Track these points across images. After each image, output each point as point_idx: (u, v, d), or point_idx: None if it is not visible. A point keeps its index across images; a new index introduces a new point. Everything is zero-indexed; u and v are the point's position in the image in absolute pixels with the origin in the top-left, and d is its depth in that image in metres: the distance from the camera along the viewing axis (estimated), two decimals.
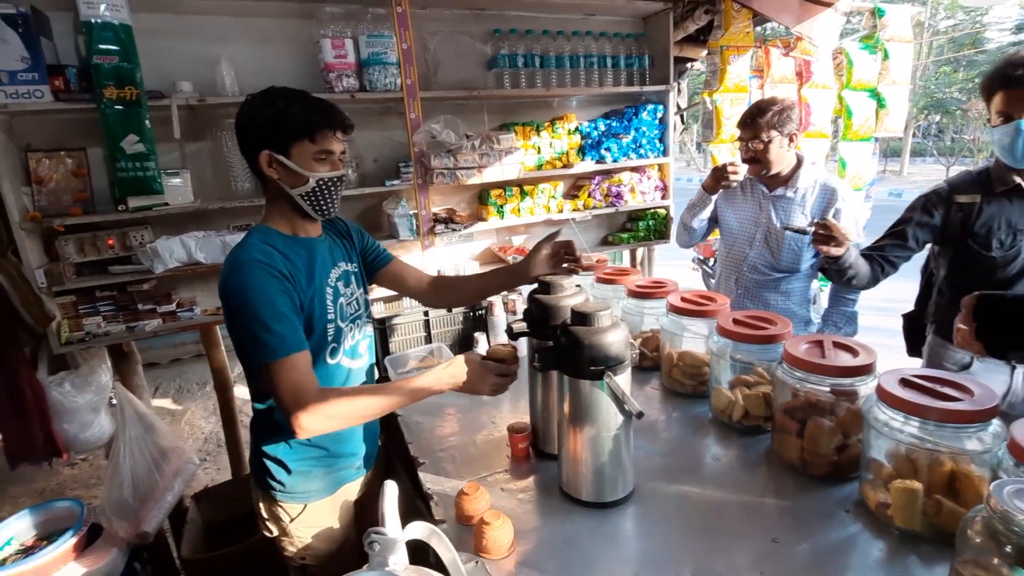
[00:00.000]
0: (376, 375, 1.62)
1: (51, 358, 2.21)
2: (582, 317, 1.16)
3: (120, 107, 1.97)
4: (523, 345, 1.62)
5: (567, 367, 1.17)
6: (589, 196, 3.03)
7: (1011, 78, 1.49)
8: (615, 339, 1.14)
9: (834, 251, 1.72)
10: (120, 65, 1.95)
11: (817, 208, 2.08)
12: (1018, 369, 1.66)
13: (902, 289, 1.92)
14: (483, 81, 2.74)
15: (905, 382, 1.07)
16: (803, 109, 3.25)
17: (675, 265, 7.32)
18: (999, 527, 0.74)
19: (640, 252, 3.48)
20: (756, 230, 2.18)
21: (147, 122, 2.02)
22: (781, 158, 2.07)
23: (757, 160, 2.09)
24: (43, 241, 2.14)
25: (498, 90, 2.67)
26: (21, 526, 1.75)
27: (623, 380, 1.15)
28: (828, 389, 1.20)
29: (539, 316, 1.35)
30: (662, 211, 3.23)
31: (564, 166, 2.89)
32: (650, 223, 3.21)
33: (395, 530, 0.72)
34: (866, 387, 1.18)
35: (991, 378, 1.69)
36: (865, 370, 1.18)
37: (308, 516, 1.39)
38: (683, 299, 1.68)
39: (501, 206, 2.81)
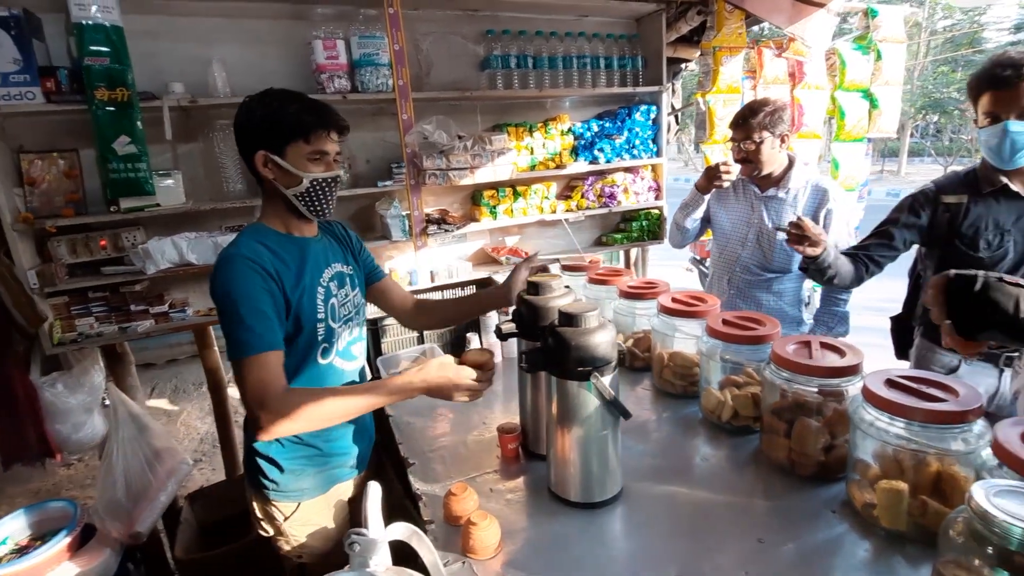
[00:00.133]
0: (368, 376, 1.62)
1: (43, 359, 2.21)
2: (569, 318, 1.16)
3: (111, 108, 1.97)
4: (513, 346, 1.62)
5: (554, 368, 1.18)
6: (582, 197, 3.03)
7: (998, 78, 1.48)
8: (602, 340, 1.14)
9: (810, 251, 1.72)
10: (111, 67, 1.95)
11: (808, 209, 2.09)
12: (1006, 372, 1.66)
13: (895, 289, 1.92)
14: (476, 82, 2.75)
15: (891, 383, 1.07)
16: (796, 110, 3.25)
17: (669, 266, 7.33)
18: (980, 528, 0.74)
19: (634, 253, 3.48)
20: (748, 230, 2.18)
21: (139, 123, 2.02)
22: (773, 159, 2.08)
23: (749, 160, 2.10)
24: (35, 242, 2.14)
25: (491, 91, 2.67)
26: (16, 526, 1.75)
27: (610, 380, 1.15)
28: (816, 390, 1.21)
29: (528, 317, 1.36)
30: (655, 212, 3.24)
31: (557, 167, 2.90)
32: (643, 224, 3.21)
33: (377, 531, 0.72)
34: (853, 388, 1.18)
35: (979, 381, 1.69)
36: (852, 371, 1.19)
37: (302, 515, 1.39)
38: (674, 300, 1.69)
39: (494, 207, 2.81)
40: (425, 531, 1.17)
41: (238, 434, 2.72)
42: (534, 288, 1.38)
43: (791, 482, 1.24)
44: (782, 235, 2.06)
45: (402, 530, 0.74)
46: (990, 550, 0.74)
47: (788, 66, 3.27)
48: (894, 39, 3.22)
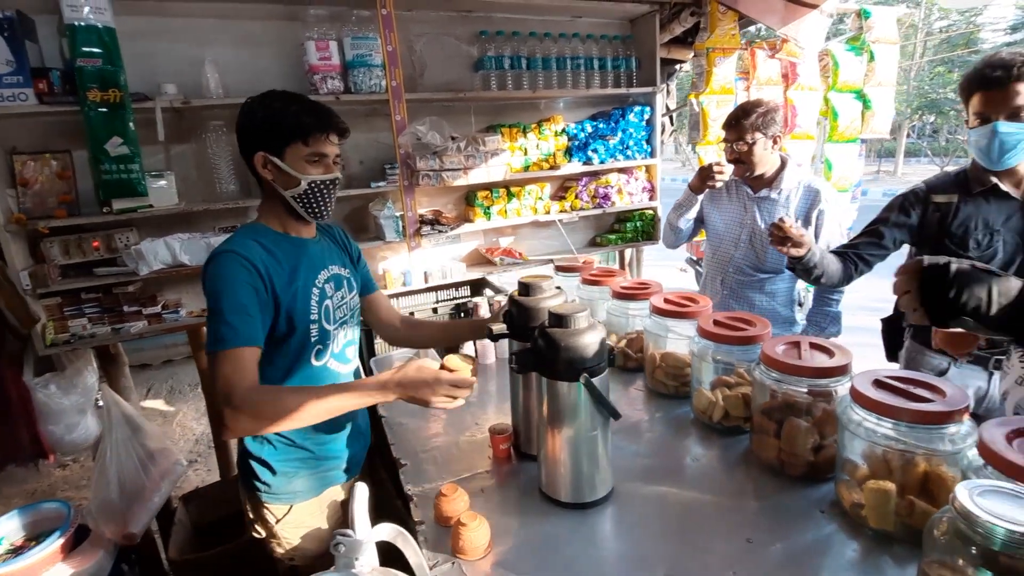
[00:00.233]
0: (363, 377, 1.62)
1: (36, 360, 2.21)
2: (559, 319, 1.16)
3: (104, 109, 1.97)
4: (507, 347, 1.62)
5: (544, 369, 1.18)
6: (576, 197, 3.04)
7: (988, 79, 1.48)
8: (592, 341, 1.14)
9: (793, 252, 1.73)
10: (104, 68, 1.95)
11: (801, 209, 2.10)
12: (995, 374, 1.66)
13: (888, 290, 1.93)
14: (469, 83, 2.75)
15: (878, 383, 1.07)
16: (789, 111, 3.26)
17: (665, 266, 7.35)
18: (963, 528, 0.74)
19: (628, 253, 3.49)
20: (741, 231, 2.19)
21: (131, 124, 2.02)
22: (765, 160, 2.08)
23: (742, 161, 2.10)
24: (28, 243, 2.14)
25: (485, 92, 2.67)
26: (10, 526, 1.75)
27: (600, 381, 1.15)
28: (805, 390, 1.21)
29: (519, 318, 1.36)
30: (649, 212, 3.24)
31: (551, 167, 2.90)
32: (637, 224, 3.22)
33: (363, 532, 0.72)
34: (842, 388, 1.19)
35: (968, 383, 1.70)
36: (840, 371, 1.19)
37: (294, 517, 1.39)
38: (666, 300, 1.69)
39: (488, 207, 2.81)
40: (415, 532, 1.18)
41: None
42: (525, 289, 1.39)
43: (781, 482, 1.24)
44: None
45: (388, 531, 0.74)
46: (974, 550, 0.74)
47: (781, 67, 3.28)
48: (887, 40, 3.24)
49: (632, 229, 3.23)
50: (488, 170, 2.66)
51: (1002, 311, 0.83)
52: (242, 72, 2.30)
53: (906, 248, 1.86)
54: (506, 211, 2.86)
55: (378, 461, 1.72)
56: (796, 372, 1.21)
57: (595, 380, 1.13)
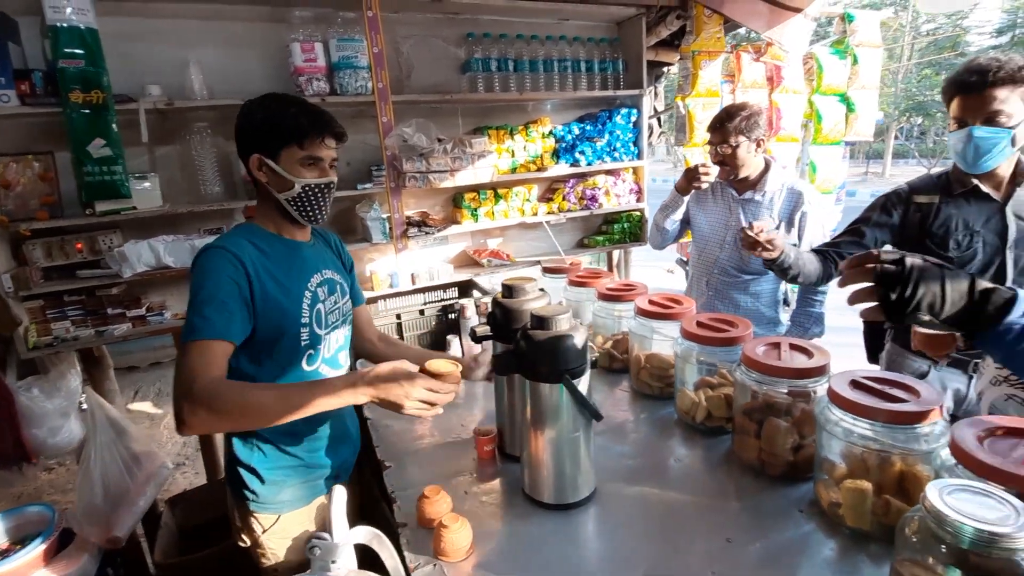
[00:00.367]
0: None
1: (19, 363, 2.19)
2: (541, 321, 1.17)
3: (86, 111, 1.95)
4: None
5: (526, 370, 1.18)
6: (564, 199, 3.05)
7: (966, 84, 1.50)
8: (573, 342, 1.15)
9: (767, 255, 1.75)
10: (86, 69, 1.94)
11: (784, 211, 2.12)
12: (975, 378, 1.68)
13: None
14: (457, 85, 2.75)
15: (855, 384, 1.09)
16: (774, 113, 3.30)
17: (655, 267, 7.39)
18: (933, 527, 0.75)
19: (616, 254, 3.50)
20: (726, 233, 2.21)
21: (114, 126, 2.00)
22: (748, 162, 2.10)
23: (726, 163, 2.12)
24: (10, 245, 2.12)
25: (472, 94, 2.68)
26: None
27: (582, 383, 1.16)
28: (785, 391, 1.22)
29: (503, 319, 1.36)
30: (637, 214, 3.26)
31: (538, 169, 2.91)
32: (625, 226, 3.24)
33: (340, 535, 0.72)
34: (821, 388, 1.20)
35: (948, 385, 1.72)
36: (818, 372, 1.21)
37: (282, 527, 1.37)
38: (650, 302, 1.70)
39: (475, 209, 2.81)
40: (398, 534, 1.18)
41: (219, 437, 2.70)
42: (508, 291, 1.39)
43: (761, 482, 1.25)
44: None
45: (364, 534, 0.74)
46: (943, 548, 0.75)
47: (766, 70, 3.31)
48: (870, 44, 3.28)
49: (620, 231, 3.24)
50: (475, 172, 2.66)
51: (955, 306, 0.83)
52: (227, 74, 2.29)
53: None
54: (493, 213, 2.87)
55: (365, 463, 1.72)
56: (776, 373, 1.22)
57: (577, 381, 1.14)
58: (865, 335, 2.03)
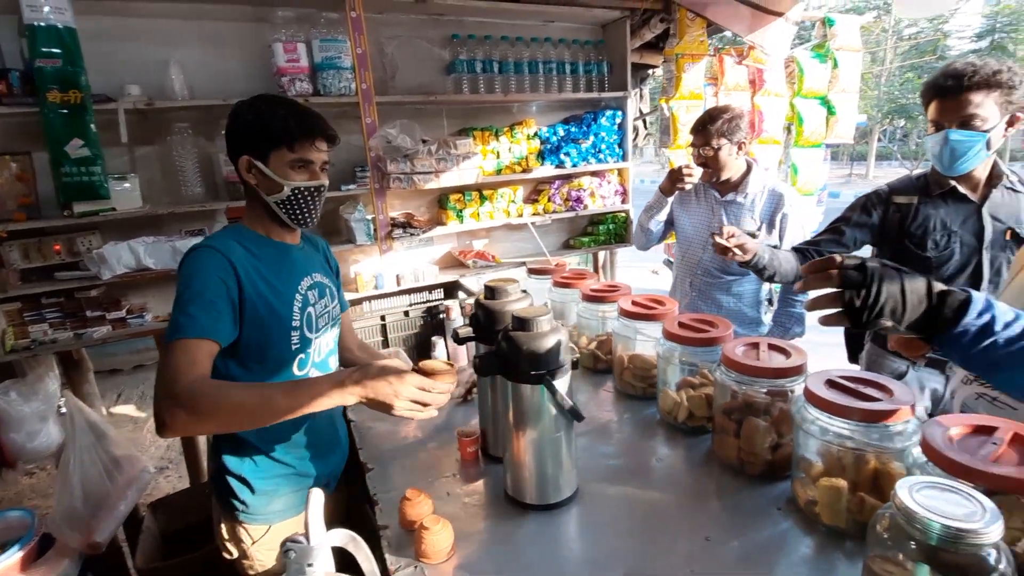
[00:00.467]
0: None
1: None
2: (522, 322, 1.17)
3: (64, 111, 1.93)
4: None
5: (508, 372, 1.18)
6: (549, 200, 3.06)
7: (942, 88, 1.53)
8: (554, 343, 1.15)
9: (739, 258, 1.76)
10: (64, 68, 1.91)
11: (765, 213, 2.14)
12: (951, 378, 1.71)
13: None
14: (441, 86, 2.76)
15: (831, 383, 1.10)
16: (756, 116, 3.33)
17: (640, 268, 7.43)
18: (903, 524, 0.76)
19: (602, 255, 3.52)
20: (709, 234, 2.23)
21: (92, 126, 1.98)
22: (730, 164, 2.13)
23: (708, 165, 2.15)
24: None
25: (457, 95, 2.68)
26: None
27: (563, 383, 1.16)
28: (765, 391, 1.24)
29: (485, 321, 1.37)
30: (622, 215, 3.28)
31: (524, 171, 2.92)
32: (610, 227, 3.26)
33: (316, 538, 0.72)
34: (798, 388, 1.22)
35: (925, 385, 1.75)
36: (796, 371, 1.22)
37: (271, 538, 1.34)
38: (633, 303, 1.71)
39: (460, 210, 2.82)
40: (380, 536, 1.18)
41: (202, 440, 2.68)
42: (491, 292, 1.39)
43: (740, 481, 1.27)
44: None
45: (340, 536, 0.74)
46: (913, 545, 0.76)
47: (749, 73, 3.35)
48: (850, 48, 3.32)
49: (605, 232, 3.26)
50: (460, 173, 2.66)
51: (915, 311, 0.83)
52: (208, 74, 2.27)
53: (867, 250, 1.90)
54: (479, 214, 2.87)
55: (350, 467, 1.71)
56: (754, 373, 1.24)
57: (558, 382, 1.14)
58: (846, 335, 2.05)
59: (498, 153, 2.84)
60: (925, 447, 0.90)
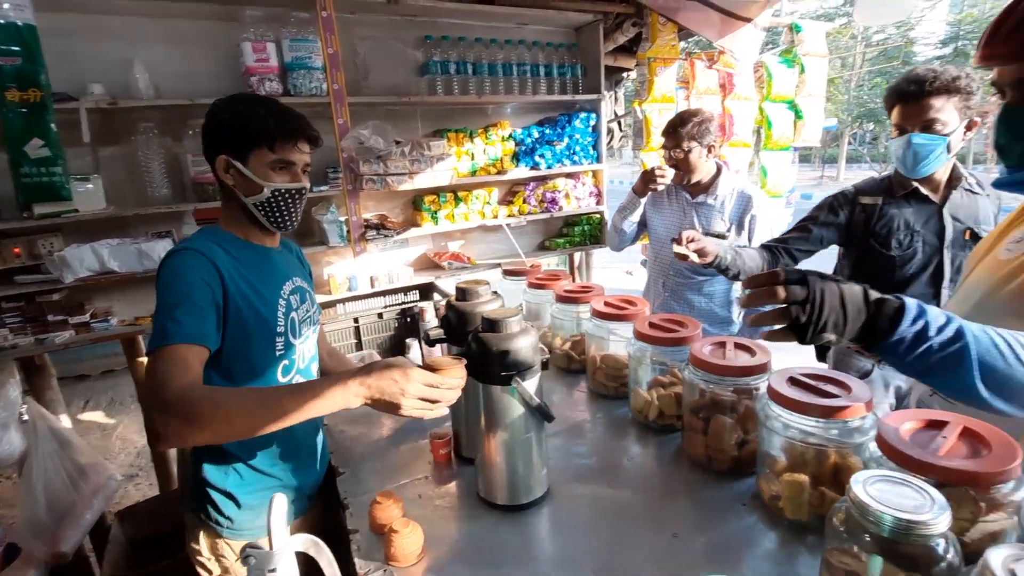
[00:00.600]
0: None
1: None
2: (491, 324, 1.17)
3: (23, 110, 1.88)
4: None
5: (478, 373, 1.18)
6: (524, 202, 3.07)
7: (905, 93, 1.58)
8: (523, 344, 1.16)
9: (700, 261, 1.80)
10: (23, 66, 1.86)
11: (734, 214, 2.18)
12: None
13: None
14: (415, 87, 2.75)
15: (793, 380, 1.13)
16: (727, 119, 3.39)
17: (616, 268, 7.50)
18: (857, 517, 0.78)
19: (578, 256, 3.54)
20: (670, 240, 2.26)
21: (53, 126, 1.93)
22: (700, 167, 2.16)
23: (679, 168, 2.18)
24: None
25: (431, 96, 2.68)
26: None
27: (533, 384, 1.17)
28: (731, 389, 1.26)
29: (456, 322, 1.37)
30: (597, 216, 3.31)
31: (498, 172, 2.93)
32: (585, 228, 3.28)
33: (279, 543, 0.72)
34: (763, 385, 1.24)
35: (890, 383, 1.80)
36: (760, 369, 1.24)
37: None
38: (606, 303, 1.73)
39: (435, 212, 2.81)
40: (350, 540, 1.17)
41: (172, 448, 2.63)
42: (462, 294, 1.40)
43: (708, 477, 1.28)
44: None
45: (303, 542, 0.74)
46: (867, 537, 0.78)
47: (719, 77, 3.41)
48: (816, 53, 3.40)
49: (580, 233, 3.28)
50: (434, 175, 2.66)
51: (855, 323, 0.82)
52: (175, 73, 2.24)
53: (833, 249, 1.95)
54: (454, 215, 2.87)
55: (327, 473, 1.69)
56: (721, 371, 1.26)
57: (528, 383, 1.15)
58: None
59: (472, 155, 2.84)
60: (880, 442, 0.93)
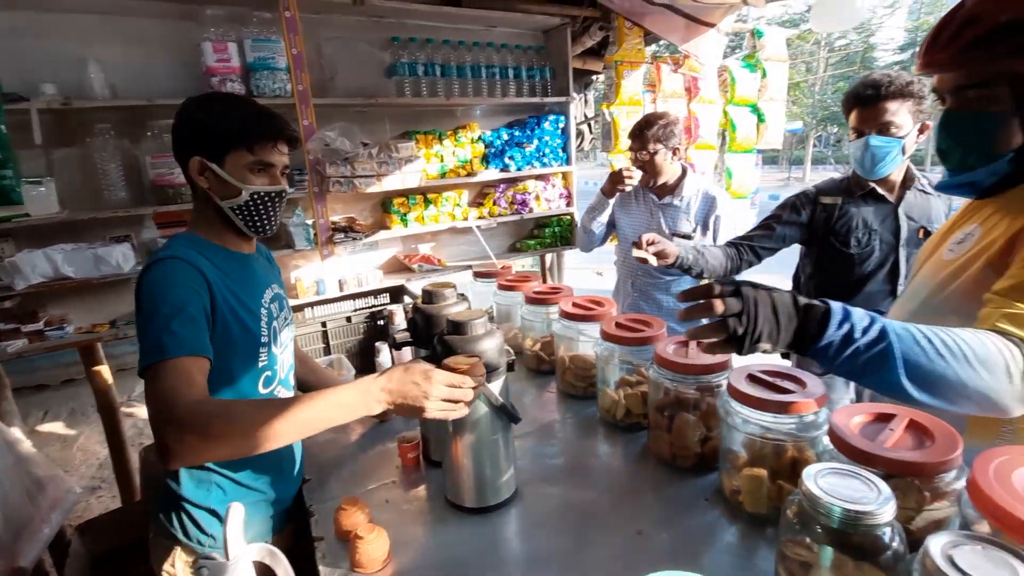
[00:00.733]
0: None
1: None
2: (456, 326, 1.18)
3: None
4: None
5: None
6: (494, 204, 3.08)
7: (862, 97, 1.64)
8: (489, 347, 1.16)
9: (661, 263, 1.83)
10: None
11: (699, 215, 2.23)
12: None
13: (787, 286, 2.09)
14: (383, 89, 2.73)
15: (751, 378, 1.15)
16: (693, 122, 3.46)
17: (587, 269, 7.57)
18: (808, 508, 0.81)
19: (549, 258, 3.56)
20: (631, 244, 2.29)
21: (2, 127, 1.84)
22: (666, 169, 2.20)
23: (646, 169, 2.21)
24: None
25: (399, 98, 2.66)
26: None
27: (497, 386, 1.17)
28: (694, 387, 1.28)
29: (423, 325, 1.36)
30: (567, 218, 3.34)
31: (468, 174, 2.93)
32: (556, 230, 3.31)
33: (235, 552, 0.70)
34: (725, 382, 1.27)
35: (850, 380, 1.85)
36: (721, 367, 1.27)
37: None
38: (574, 304, 1.74)
39: (405, 214, 2.80)
40: (315, 548, 1.15)
41: (134, 458, 2.56)
42: (428, 296, 1.39)
43: (672, 474, 1.31)
44: (677, 239, 2.19)
45: (258, 551, 0.73)
46: (819, 528, 0.80)
47: (684, 81, 3.47)
48: (777, 58, 3.49)
49: (551, 234, 3.30)
50: (403, 177, 2.64)
51: (788, 331, 0.84)
52: (132, 72, 2.18)
53: (795, 248, 2.00)
54: (424, 218, 2.86)
55: None
56: (684, 370, 1.28)
57: (494, 384, 1.15)
58: None
59: (442, 157, 2.84)
60: (831, 435, 0.96)
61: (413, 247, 3.01)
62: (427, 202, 2.88)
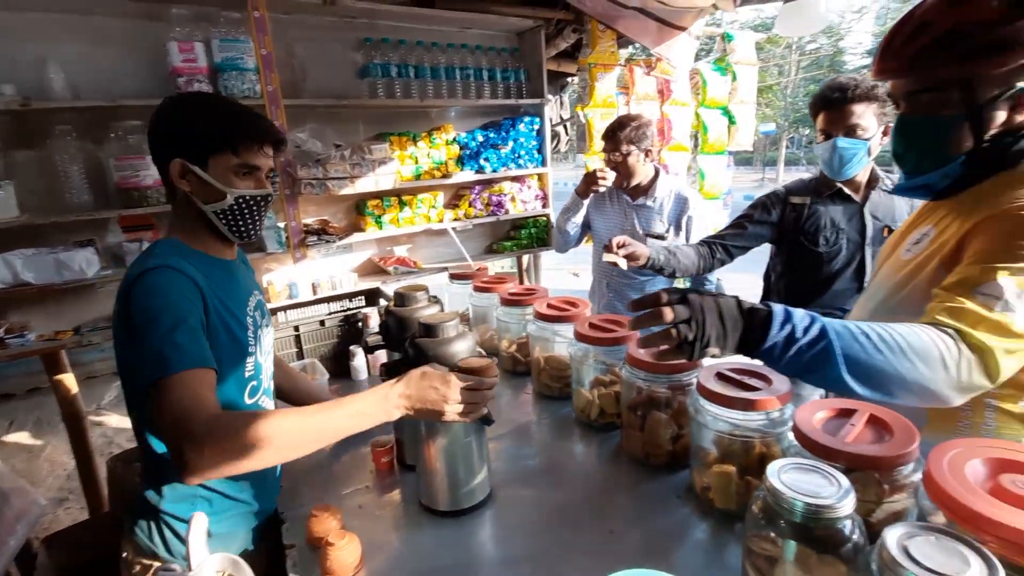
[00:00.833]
0: None
1: None
2: (428, 328, 1.17)
3: None
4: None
5: None
6: (470, 205, 3.08)
7: (829, 100, 1.68)
8: (460, 349, 1.16)
9: (633, 264, 1.85)
10: None
11: (672, 215, 2.25)
12: None
13: (758, 285, 2.13)
14: (355, 90, 2.70)
15: (720, 376, 1.17)
16: (666, 124, 3.50)
17: (563, 270, 7.61)
18: (772, 504, 0.82)
19: (526, 259, 3.57)
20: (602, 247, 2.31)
21: None
22: (638, 170, 2.22)
23: (619, 171, 2.23)
24: None
25: (372, 99, 2.64)
26: None
27: None
28: (666, 386, 1.30)
29: (395, 328, 1.35)
30: (543, 219, 3.35)
31: (443, 176, 2.92)
32: (532, 231, 3.32)
33: (196, 562, 0.69)
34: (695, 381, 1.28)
35: None
36: (691, 366, 1.29)
37: None
38: (548, 305, 1.75)
39: (379, 216, 2.78)
40: (286, 556, 1.13)
41: (101, 468, 2.49)
42: (400, 299, 1.38)
43: (645, 473, 1.32)
44: (651, 240, 2.21)
45: (220, 561, 0.71)
46: (782, 523, 0.82)
47: (657, 84, 3.52)
48: (747, 61, 3.56)
49: (527, 236, 3.31)
50: (376, 179, 2.62)
51: (734, 336, 0.85)
52: (95, 73, 2.12)
53: (766, 247, 2.04)
54: (399, 220, 2.84)
55: None
56: (655, 369, 1.29)
57: None
58: None
59: (416, 158, 2.82)
60: (795, 430, 0.97)
61: (388, 249, 2.99)
62: (402, 204, 2.86)
